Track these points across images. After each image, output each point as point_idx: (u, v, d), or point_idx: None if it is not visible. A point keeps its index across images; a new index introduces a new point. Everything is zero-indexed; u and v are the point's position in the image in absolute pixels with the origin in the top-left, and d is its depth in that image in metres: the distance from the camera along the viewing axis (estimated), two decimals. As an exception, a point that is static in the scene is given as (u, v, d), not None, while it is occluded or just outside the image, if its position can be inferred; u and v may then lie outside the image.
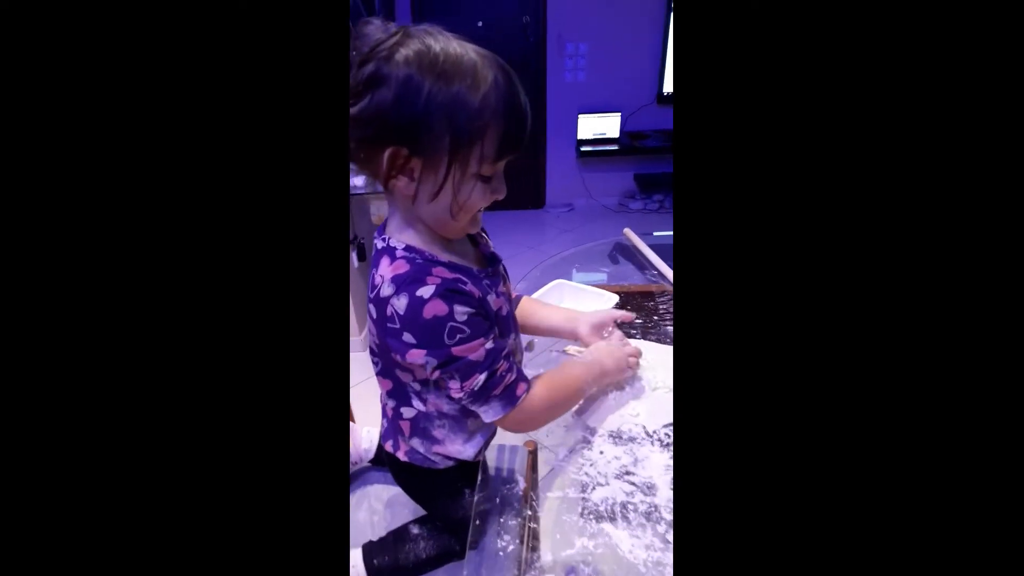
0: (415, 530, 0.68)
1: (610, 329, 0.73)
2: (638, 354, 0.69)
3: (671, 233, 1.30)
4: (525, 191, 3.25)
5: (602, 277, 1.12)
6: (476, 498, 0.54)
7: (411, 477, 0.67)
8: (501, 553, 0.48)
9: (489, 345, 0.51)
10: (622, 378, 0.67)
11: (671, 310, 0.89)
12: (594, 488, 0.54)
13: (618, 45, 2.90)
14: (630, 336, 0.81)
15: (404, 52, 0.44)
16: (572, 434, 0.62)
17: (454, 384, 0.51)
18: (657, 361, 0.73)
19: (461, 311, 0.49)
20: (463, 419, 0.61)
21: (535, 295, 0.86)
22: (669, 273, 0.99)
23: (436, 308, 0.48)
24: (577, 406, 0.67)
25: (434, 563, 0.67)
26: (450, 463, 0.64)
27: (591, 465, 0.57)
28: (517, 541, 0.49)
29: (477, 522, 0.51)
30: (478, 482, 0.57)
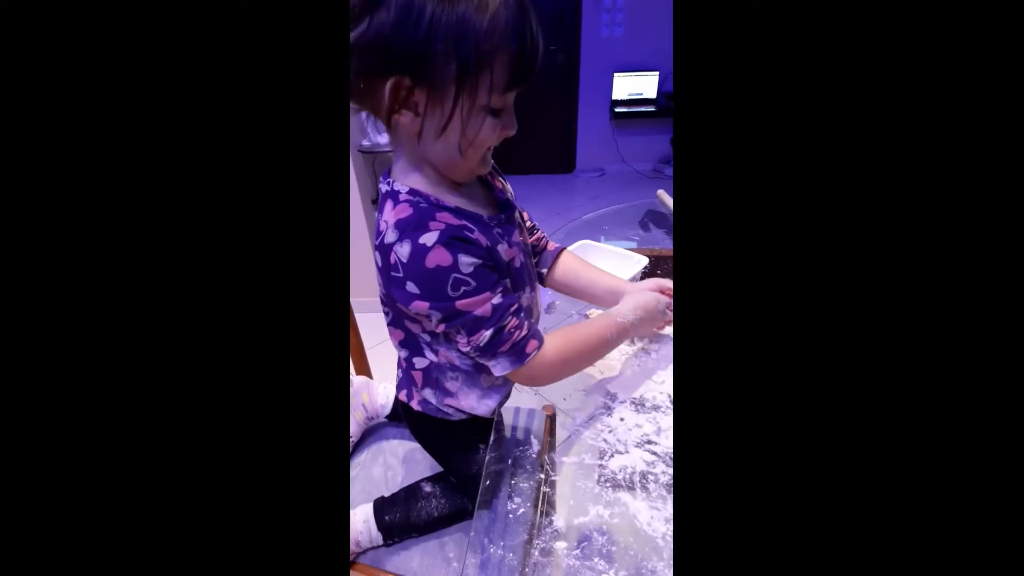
0: (427, 488, 0.68)
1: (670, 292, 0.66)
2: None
3: None
4: (554, 154, 3.14)
5: (632, 244, 1.06)
6: (488, 458, 0.52)
7: (424, 427, 0.65)
8: (511, 516, 0.46)
9: (496, 300, 0.48)
10: (655, 330, 0.63)
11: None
12: (612, 455, 0.51)
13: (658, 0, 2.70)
14: (659, 301, 0.76)
15: None
16: (592, 399, 0.59)
17: (461, 338, 0.49)
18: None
19: (466, 262, 0.46)
20: (476, 374, 0.58)
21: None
22: (704, 237, 0.93)
23: (439, 257, 0.45)
24: (600, 370, 0.63)
25: (445, 522, 0.67)
26: (463, 416, 0.62)
27: (610, 432, 0.54)
28: (529, 504, 0.47)
29: (487, 483, 0.49)
30: (491, 441, 0.55)
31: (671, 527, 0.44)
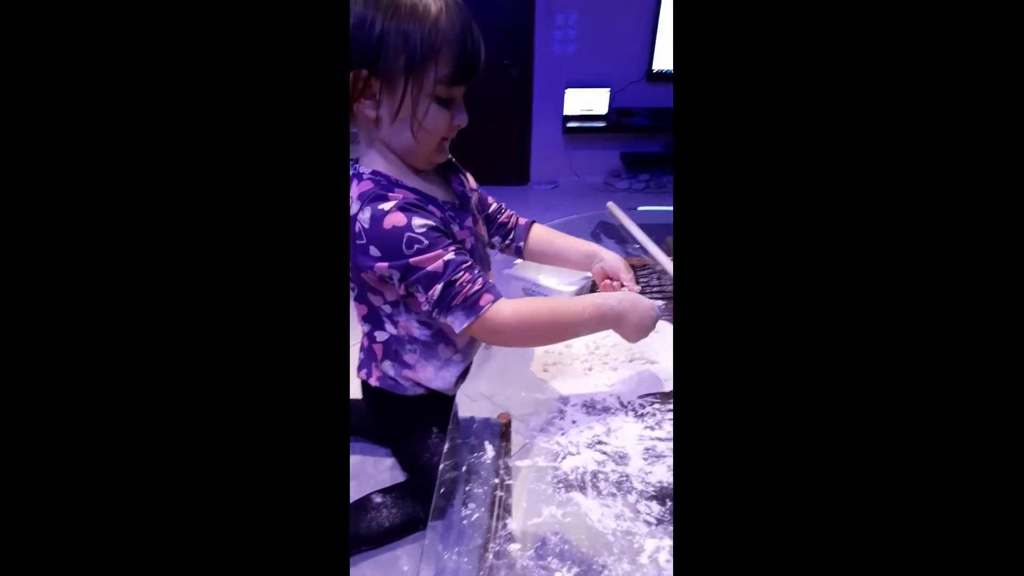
0: (377, 499, 0.67)
1: (621, 281, 0.70)
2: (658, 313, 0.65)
3: (656, 208, 1.27)
4: (509, 167, 3.18)
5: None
6: (442, 466, 0.52)
7: (381, 405, 0.67)
8: (466, 522, 0.46)
9: (448, 256, 0.53)
10: (637, 337, 0.61)
11: (651, 283, 0.87)
12: (565, 457, 0.53)
13: (609, 18, 2.82)
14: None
15: None
16: (545, 406, 0.61)
17: (420, 296, 0.54)
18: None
19: (419, 223, 0.52)
20: (434, 345, 0.62)
21: (514, 266, 0.83)
22: (652, 247, 0.97)
23: (395, 219, 0.51)
24: (553, 375, 0.65)
25: (397, 532, 0.66)
26: (420, 391, 0.64)
27: (563, 434, 0.56)
28: (483, 510, 0.47)
29: (442, 490, 0.49)
30: (448, 428, 0.55)
31: (620, 523, 0.45)
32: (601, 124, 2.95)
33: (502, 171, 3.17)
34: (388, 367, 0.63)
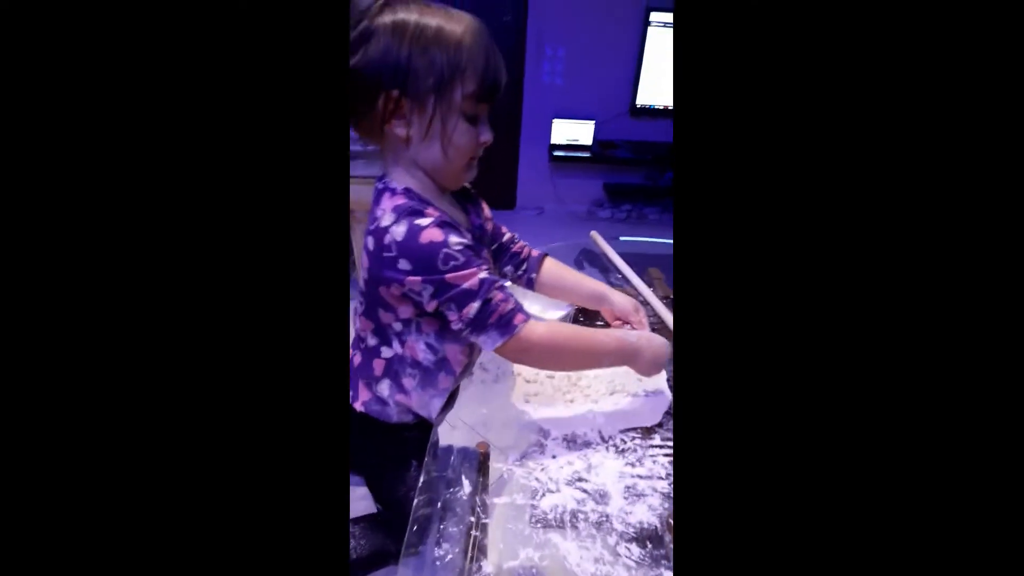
0: (348, 529, 0.63)
1: (631, 321, 0.72)
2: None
3: (638, 239, 1.29)
4: (497, 191, 3.21)
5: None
6: (416, 501, 0.49)
7: (361, 433, 0.63)
8: (439, 563, 0.44)
9: (483, 275, 0.53)
10: (650, 372, 0.64)
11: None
12: (544, 495, 0.51)
13: (595, 53, 2.92)
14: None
15: (388, 16, 0.51)
16: (525, 437, 0.59)
17: (452, 315, 0.53)
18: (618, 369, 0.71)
19: (456, 240, 0.52)
20: (435, 372, 0.61)
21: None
22: (633, 277, 0.98)
23: (432, 235, 0.51)
24: (534, 406, 0.63)
25: (366, 565, 0.63)
26: (407, 418, 0.63)
27: (542, 470, 0.54)
28: (457, 550, 0.45)
29: (415, 527, 0.47)
30: (424, 462, 0.54)
31: (600, 567, 0.44)
32: (586, 155, 3.02)
33: (490, 195, 3.15)
34: (384, 387, 0.61)
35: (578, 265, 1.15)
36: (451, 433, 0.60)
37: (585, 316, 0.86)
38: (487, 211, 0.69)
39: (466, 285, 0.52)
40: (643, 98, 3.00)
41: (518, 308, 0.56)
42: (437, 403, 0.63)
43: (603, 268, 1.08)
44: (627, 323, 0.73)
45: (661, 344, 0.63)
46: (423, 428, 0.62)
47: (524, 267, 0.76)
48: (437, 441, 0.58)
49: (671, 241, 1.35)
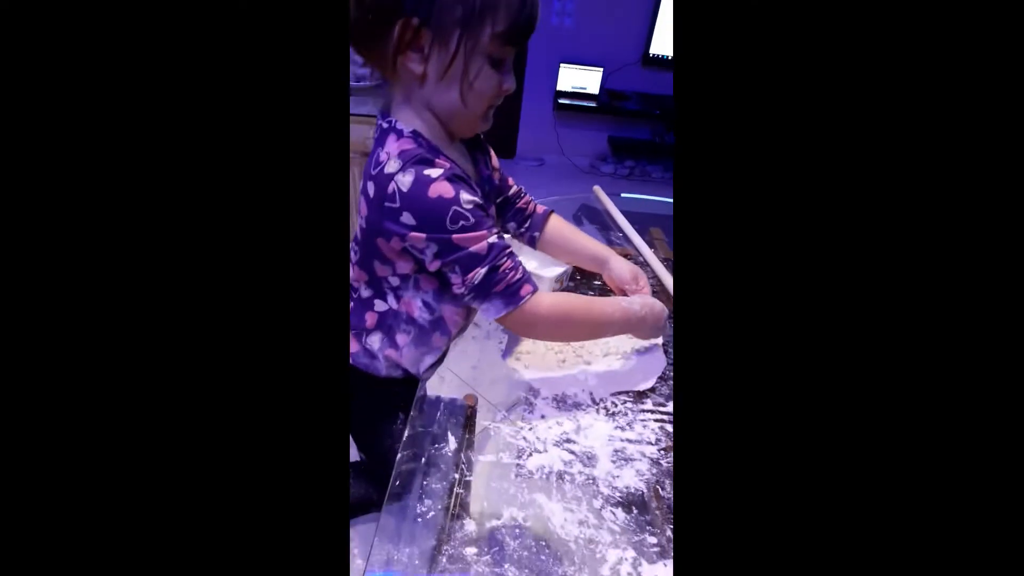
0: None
1: (631, 289, 0.69)
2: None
3: (639, 197, 1.24)
4: (496, 139, 3.09)
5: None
6: (400, 455, 0.48)
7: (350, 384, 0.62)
8: (420, 519, 0.43)
9: (492, 239, 0.49)
10: (650, 337, 0.64)
11: (632, 275, 0.85)
12: (531, 455, 0.50)
13: (610, -6, 2.72)
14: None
15: None
16: (514, 393, 0.58)
17: (455, 278, 0.49)
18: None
19: (467, 198, 0.47)
20: (430, 332, 0.58)
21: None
22: (635, 237, 0.94)
23: (442, 189, 0.46)
24: (526, 364, 0.62)
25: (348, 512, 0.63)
26: (396, 373, 0.61)
27: (530, 429, 0.53)
28: (440, 507, 0.44)
29: (397, 482, 0.46)
30: (410, 416, 0.52)
31: (584, 530, 0.43)
32: (592, 104, 2.88)
33: (489, 142, 3.07)
34: (375, 340, 0.58)
35: (577, 221, 1.11)
36: (439, 385, 0.59)
37: (583, 275, 0.83)
38: (495, 160, 0.64)
39: (474, 248, 0.48)
40: (657, 47, 2.83)
41: (526, 278, 0.52)
42: (428, 360, 0.61)
43: (603, 225, 1.04)
44: (625, 293, 0.70)
45: (661, 310, 0.62)
46: (410, 383, 0.61)
47: (528, 224, 0.72)
48: (424, 395, 0.56)
49: (670, 200, 1.31)
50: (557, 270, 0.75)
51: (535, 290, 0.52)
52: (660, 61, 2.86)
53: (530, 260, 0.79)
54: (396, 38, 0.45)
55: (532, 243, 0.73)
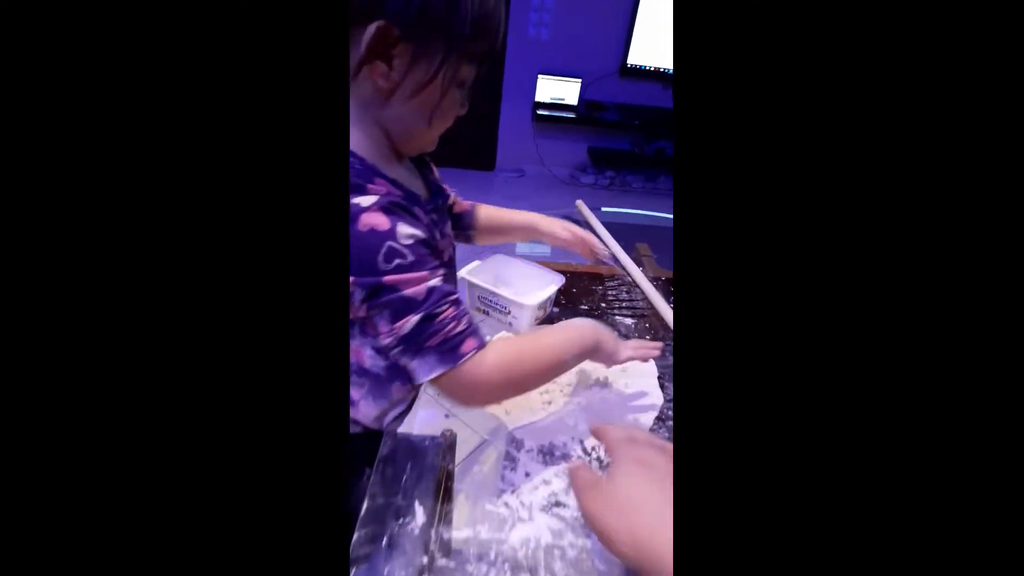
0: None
1: (577, 247, 0.69)
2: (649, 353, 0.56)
3: (623, 211, 1.19)
4: (475, 150, 3.03)
5: (546, 251, 1.00)
6: (356, 536, 0.40)
7: None
8: (379, 623, 0.35)
9: (434, 283, 0.40)
10: (616, 360, 0.53)
11: (620, 297, 0.78)
12: (514, 525, 0.43)
13: (586, 6, 2.71)
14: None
15: None
16: (496, 449, 0.50)
17: (382, 324, 0.40)
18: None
19: (405, 232, 0.39)
20: (388, 381, 0.48)
21: (467, 268, 0.71)
22: (622, 256, 0.88)
23: (374, 221, 0.38)
24: (506, 409, 0.54)
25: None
26: (354, 429, 0.53)
27: (512, 492, 0.45)
28: (404, 603, 0.36)
29: (353, 571, 0.38)
30: (370, 484, 0.44)
31: (579, 628, 0.36)
32: (571, 115, 2.85)
33: (468, 155, 3.02)
34: None
35: (560, 236, 1.05)
36: (411, 416, 0.51)
37: (567, 298, 0.77)
38: (435, 170, 0.57)
39: (409, 292, 0.39)
40: (634, 57, 2.82)
41: (470, 331, 0.42)
42: (392, 414, 0.53)
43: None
44: (574, 250, 0.69)
45: (593, 325, 0.52)
46: (373, 438, 0.53)
47: (461, 223, 0.65)
48: (387, 454, 0.48)
49: (656, 214, 1.26)
50: (540, 295, 0.68)
51: (480, 346, 0.42)
52: (638, 71, 2.85)
53: (508, 287, 0.72)
54: (367, 45, 0.37)
55: (470, 240, 0.67)
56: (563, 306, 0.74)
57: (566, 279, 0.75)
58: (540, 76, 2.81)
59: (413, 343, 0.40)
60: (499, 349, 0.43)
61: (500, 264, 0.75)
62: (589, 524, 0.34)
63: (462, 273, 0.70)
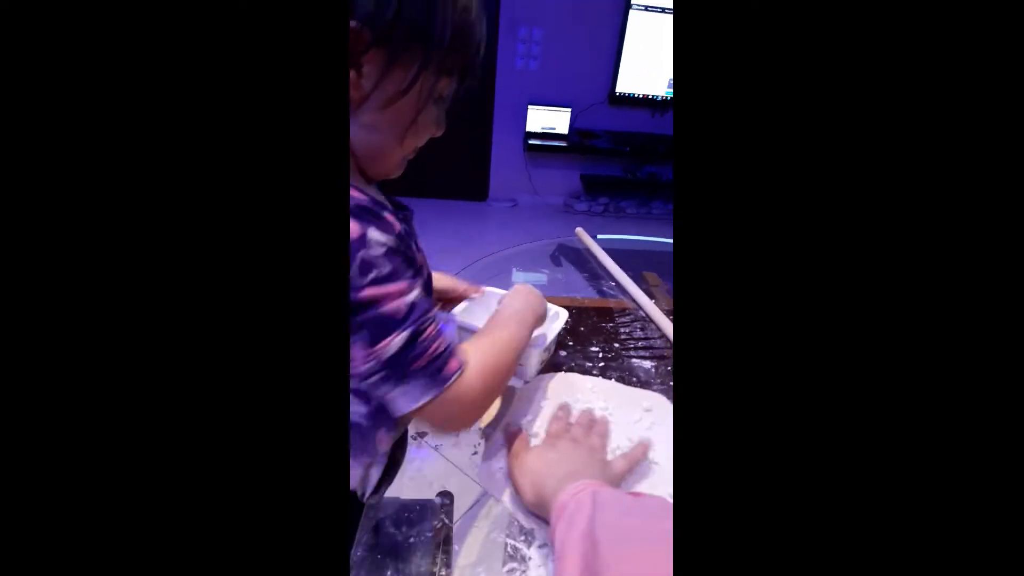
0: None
1: (457, 287, 0.62)
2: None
3: (616, 237, 1.12)
4: (468, 181, 3.01)
5: (542, 278, 0.93)
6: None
7: None
8: None
9: (413, 296, 0.36)
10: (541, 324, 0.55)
11: (634, 335, 0.71)
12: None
13: (573, 37, 2.74)
14: (584, 371, 0.61)
15: None
16: (497, 550, 0.41)
17: (359, 348, 0.35)
18: (620, 417, 0.53)
19: (378, 239, 0.34)
20: (371, 431, 0.42)
21: (458, 308, 0.64)
22: (631, 287, 0.81)
23: None
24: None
25: None
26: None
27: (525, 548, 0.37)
28: None
29: None
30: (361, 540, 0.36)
31: None
32: (562, 144, 2.85)
33: (460, 186, 2.99)
34: None
35: (555, 262, 0.98)
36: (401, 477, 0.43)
37: (575, 339, 0.69)
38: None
39: (388, 308, 0.34)
40: (623, 86, 2.84)
41: (451, 352, 0.38)
42: (374, 475, 0.45)
43: (590, 273, 0.91)
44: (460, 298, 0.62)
45: (526, 288, 0.55)
46: (360, 506, 0.44)
47: None
48: (362, 560, 0.39)
49: (654, 239, 1.21)
50: (546, 336, 0.60)
51: (462, 364, 0.39)
52: (626, 99, 2.87)
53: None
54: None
55: None
56: (571, 348, 0.66)
57: (571, 315, 0.67)
58: (530, 106, 2.82)
59: (398, 367, 0.35)
60: (476, 361, 0.40)
61: (491, 301, 0.67)
62: (512, 481, 0.43)
63: (455, 312, 0.62)
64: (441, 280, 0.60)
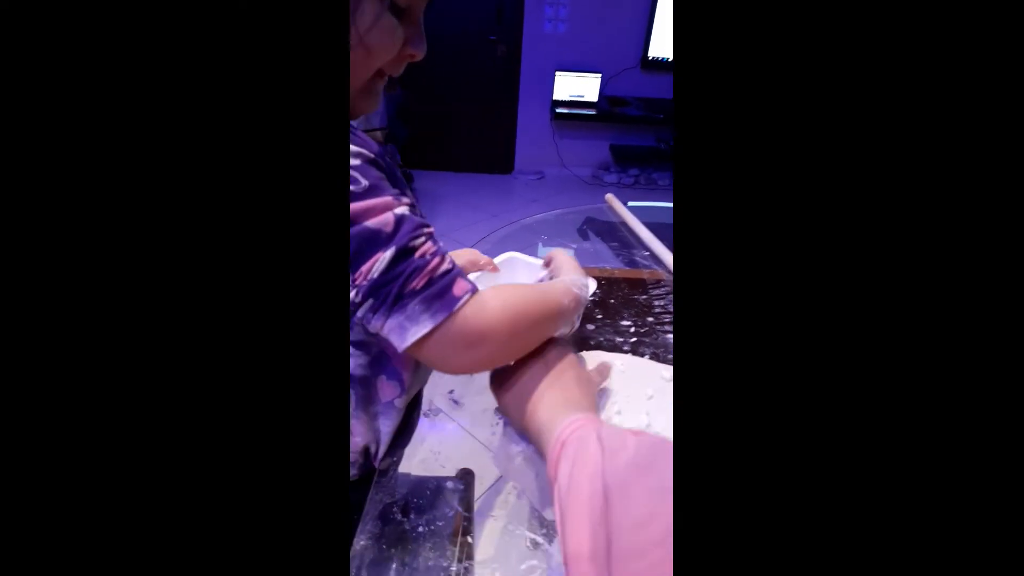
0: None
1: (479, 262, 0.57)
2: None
3: (648, 205, 1.04)
4: (494, 153, 2.93)
5: (569, 253, 0.87)
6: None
7: None
8: None
9: (401, 209, 0.31)
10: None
11: (669, 308, 0.64)
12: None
13: (604, -2, 2.58)
14: (615, 347, 0.56)
15: None
16: (515, 535, 0.37)
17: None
18: (658, 404, 0.47)
19: (355, 151, 0.31)
20: (372, 379, 0.39)
21: (473, 276, 0.58)
22: (665, 255, 0.74)
23: None
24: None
25: None
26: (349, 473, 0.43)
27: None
28: None
29: None
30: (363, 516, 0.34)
31: None
32: (591, 112, 2.72)
33: (486, 157, 2.92)
34: None
35: (582, 235, 0.92)
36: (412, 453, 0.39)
37: (603, 313, 0.63)
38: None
39: (372, 222, 0.30)
40: (655, 50, 2.67)
41: (458, 271, 0.32)
42: (385, 427, 0.41)
43: (622, 242, 0.84)
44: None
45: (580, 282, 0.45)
46: (363, 482, 0.41)
47: None
48: (364, 550, 0.35)
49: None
50: (592, 284, 0.55)
51: (474, 289, 0.33)
52: (660, 64, 2.70)
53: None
54: None
55: None
56: (600, 322, 0.60)
57: (600, 286, 0.62)
58: (558, 72, 2.69)
59: (389, 290, 0.30)
60: (501, 292, 0.34)
61: (516, 269, 0.61)
62: (498, 402, 0.40)
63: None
64: (462, 256, 0.55)
